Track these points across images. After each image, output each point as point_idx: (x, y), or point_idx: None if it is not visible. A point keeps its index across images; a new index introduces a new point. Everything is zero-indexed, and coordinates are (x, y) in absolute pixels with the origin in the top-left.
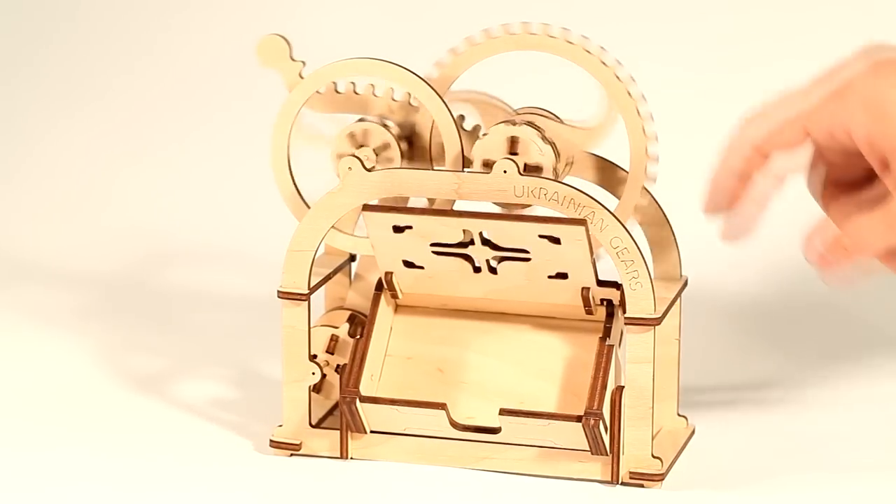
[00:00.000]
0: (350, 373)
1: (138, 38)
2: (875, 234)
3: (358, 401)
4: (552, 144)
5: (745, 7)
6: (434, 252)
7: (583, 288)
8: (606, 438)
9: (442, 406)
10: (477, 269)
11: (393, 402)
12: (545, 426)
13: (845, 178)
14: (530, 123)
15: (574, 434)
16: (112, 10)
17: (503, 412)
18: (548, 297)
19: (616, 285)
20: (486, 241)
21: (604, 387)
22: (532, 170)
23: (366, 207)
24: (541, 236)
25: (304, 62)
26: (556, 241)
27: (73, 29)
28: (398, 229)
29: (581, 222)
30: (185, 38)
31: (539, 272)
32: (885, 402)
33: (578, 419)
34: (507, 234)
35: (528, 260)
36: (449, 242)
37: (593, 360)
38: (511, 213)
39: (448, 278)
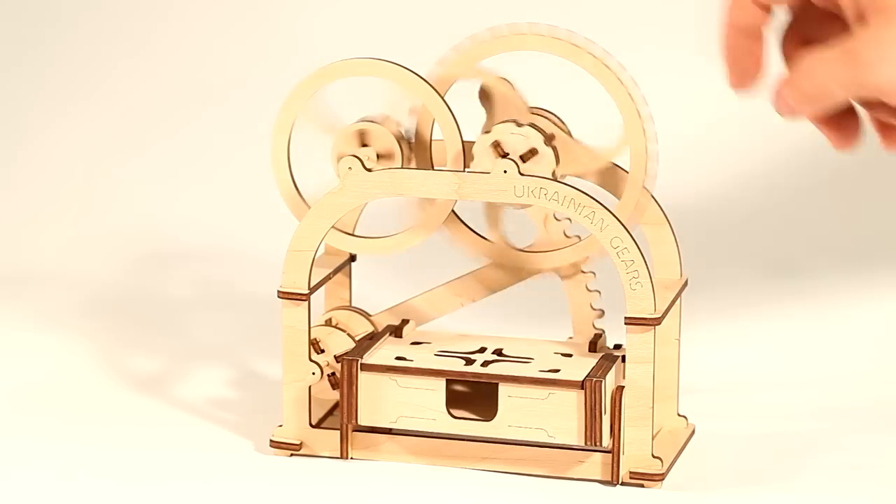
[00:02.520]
0: (357, 345)
1: (138, 38)
2: (834, 76)
3: (358, 367)
4: (538, 128)
5: None
6: (436, 355)
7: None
8: (606, 421)
9: (442, 373)
10: (469, 363)
11: (392, 369)
12: (544, 400)
13: (812, 33)
14: (551, 141)
15: (571, 418)
16: (112, 10)
17: (503, 379)
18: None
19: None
20: (496, 351)
21: (606, 369)
22: (529, 155)
23: (363, 367)
24: (555, 353)
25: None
26: (568, 355)
27: (73, 30)
28: (416, 343)
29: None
30: (186, 38)
31: (531, 369)
32: (884, 403)
33: (581, 386)
34: (523, 347)
35: (527, 363)
36: (461, 350)
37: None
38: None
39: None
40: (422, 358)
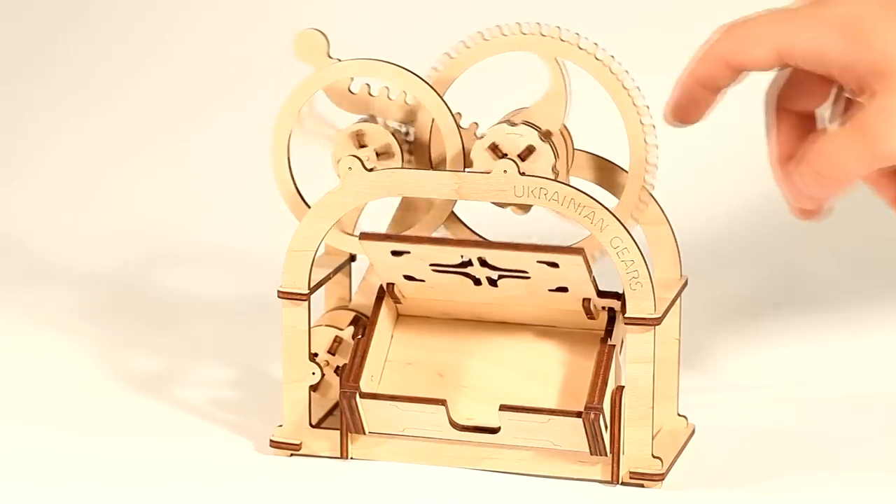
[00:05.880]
0: (350, 369)
1: (140, 39)
2: (849, 153)
3: (357, 397)
4: (556, 173)
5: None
6: (434, 270)
7: (584, 299)
8: (606, 437)
9: (442, 402)
10: (477, 283)
11: (393, 398)
12: (545, 423)
13: (801, 99)
14: (549, 138)
15: (573, 433)
16: (115, 11)
17: (503, 408)
18: (549, 305)
19: (617, 296)
20: (484, 263)
21: (604, 383)
22: (527, 153)
23: (363, 236)
24: (539, 262)
25: (339, 59)
26: (554, 265)
27: (76, 30)
28: (396, 253)
29: (579, 251)
30: (187, 39)
31: (539, 286)
32: (884, 402)
33: (578, 415)
34: (505, 258)
35: (527, 278)
36: (448, 264)
37: (594, 363)
38: (508, 243)
39: (449, 288)
40: (433, 279)
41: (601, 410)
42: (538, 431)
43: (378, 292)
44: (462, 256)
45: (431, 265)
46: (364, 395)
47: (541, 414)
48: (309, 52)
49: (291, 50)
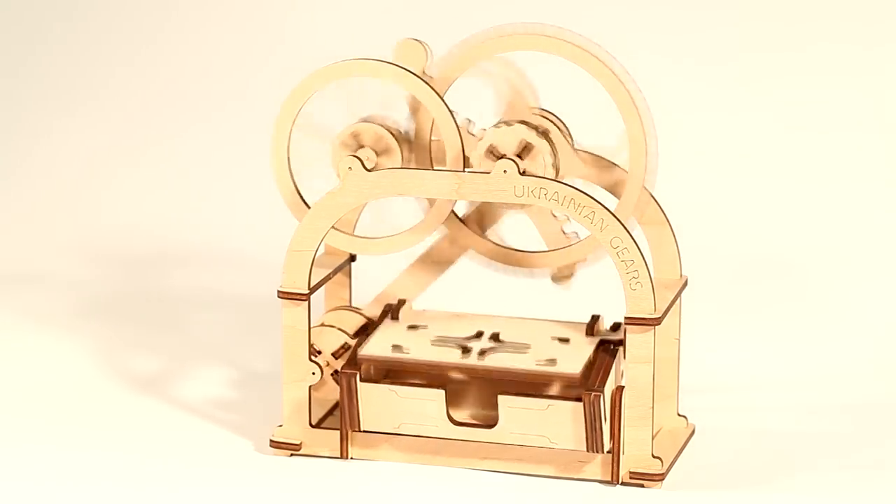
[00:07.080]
0: (353, 355)
1: (137, 38)
2: None
3: (357, 379)
4: (556, 169)
5: (747, 17)
6: (433, 343)
7: (587, 325)
8: (606, 429)
9: (441, 386)
10: (466, 353)
11: (392, 382)
12: (544, 410)
13: None
14: (546, 135)
15: (572, 426)
16: (112, 10)
17: (502, 393)
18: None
19: (619, 342)
20: (493, 336)
21: (605, 374)
22: (524, 150)
23: (362, 360)
24: (553, 337)
25: (432, 77)
26: (565, 340)
27: (72, 29)
28: (413, 327)
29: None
30: (185, 38)
31: (528, 360)
32: (884, 404)
33: (578, 399)
34: (519, 331)
35: (524, 353)
36: (457, 336)
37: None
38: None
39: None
40: (419, 348)
41: (602, 393)
42: (536, 424)
43: (384, 308)
44: (478, 335)
45: (436, 338)
46: (364, 379)
47: (540, 399)
48: (409, 61)
49: (392, 58)
